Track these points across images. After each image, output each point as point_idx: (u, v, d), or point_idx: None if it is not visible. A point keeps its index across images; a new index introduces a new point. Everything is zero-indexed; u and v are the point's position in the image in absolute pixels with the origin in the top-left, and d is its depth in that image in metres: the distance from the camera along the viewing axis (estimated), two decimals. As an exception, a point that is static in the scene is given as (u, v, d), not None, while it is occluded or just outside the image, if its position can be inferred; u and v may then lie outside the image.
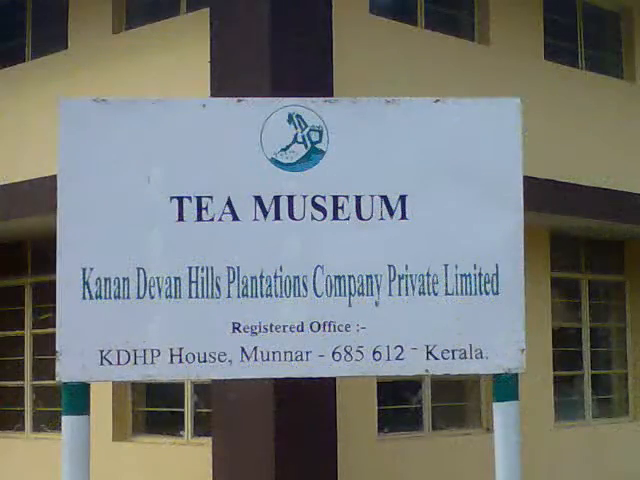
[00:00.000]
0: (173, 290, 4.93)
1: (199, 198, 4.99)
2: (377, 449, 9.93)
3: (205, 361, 4.90)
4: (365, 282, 5.00)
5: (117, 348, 4.89)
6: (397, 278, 5.01)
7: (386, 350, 4.97)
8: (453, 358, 5.00)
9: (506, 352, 5.01)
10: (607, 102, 12.40)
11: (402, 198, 5.06)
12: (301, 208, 5.01)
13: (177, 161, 5.01)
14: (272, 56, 8.77)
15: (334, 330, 4.95)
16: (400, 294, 5.00)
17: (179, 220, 4.98)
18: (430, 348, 4.99)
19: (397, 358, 4.98)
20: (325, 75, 9.05)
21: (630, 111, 12.65)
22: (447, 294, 5.02)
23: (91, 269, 4.91)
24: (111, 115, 5.02)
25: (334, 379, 8.48)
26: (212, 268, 4.95)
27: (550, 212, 10.85)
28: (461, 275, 5.03)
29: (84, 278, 4.90)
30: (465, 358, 5.00)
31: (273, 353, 4.92)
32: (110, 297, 4.91)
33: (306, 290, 4.97)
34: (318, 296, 4.97)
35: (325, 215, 5.03)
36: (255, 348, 4.92)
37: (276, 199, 5.01)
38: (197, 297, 4.94)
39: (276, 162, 5.03)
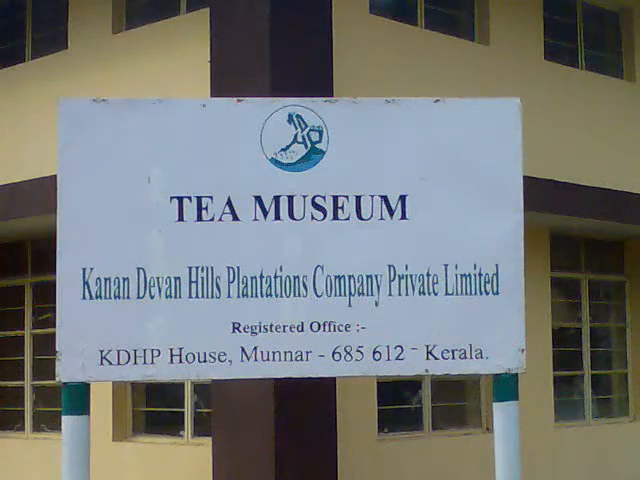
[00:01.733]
0: (173, 290, 4.93)
1: (199, 198, 4.99)
2: (377, 449, 9.93)
3: (205, 361, 4.90)
4: (365, 282, 5.00)
5: (117, 348, 4.88)
6: (397, 278, 5.01)
7: (386, 350, 4.97)
8: (453, 358, 5.00)
9: (506, 352, 5.01)
10: (607, 102, 12.41)
11: (402, 198, 5.06)
12: (301, 208, 5.01)
13: (177, 161, 5.01)
14: (272, 56, 8.77)
15: (334, 330, 4.95)
16: (400, 294, 5.00)
17: (179, 220, 4.98)
18: (430, 348, 4.99)
19: (397, 358, 4.98)
20: (325, 75, 9.05)
21: (630, 111, 12.66)
22: (447, 294, 5.02)
23: (91, 269, 4.91)
24: (111, 115, 5.01)
25: (334, 379, 8.48)
26: (212, 268, 4.95)
27: (550, 212, 10.85)
28: (461, 275, 5.03)
29: (84, 278, 4.90)
30: (465, 358, 5.00)
31: (273, 353, 4.92)
32: (110, 297, 4.90)
33: (306, 290, 4.97)
34: (318, 296, 4.97)
35: (325, 215, 5.02)
36: (255, 348, 4.92)
37: (276, 199, 5.01)
38: (197, 297, 4.93)
39: (276, 162, 5.03)
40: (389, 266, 5.01)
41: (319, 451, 8.84)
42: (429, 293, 5.02)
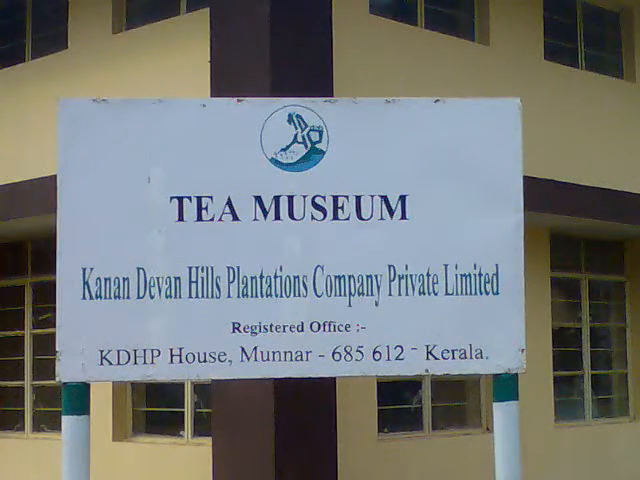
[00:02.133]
0: (173, 290, 4.93)
1: (199, 198, 4.99)
2: (377, 449, 9.93)
3: (205, 361, 4.91)
4: (365, 282, 5.00)
5: (117, 348, 4.89)
6: (397, 278, 5.01)
7: (386, 350, 4.97)
8: (453, 358, 5.00)
9: (506, 352, 5.01)
10: (607, 102, 12.40)
11: (402, 198, 5.06)
12: (301, 208, 5.02)
13: (177, 161, 5.01)
14: (272, 56, 8.77)
15: (334, 330, 4.95)
16: (400, 294, 5.00)
17: (179, 220, 4.98)
18: (430, 348, 4.99)
19: (397, 358, 4.98)
20: (325, 75, 9.05)
21: (630, 111, 12.65)
22: (447, 294, 5.02)
23: (91, 269, 4.91)
24: (111, 115, 5.02)
25: (334, 379, 8.48)
26: (212, 268, 4.95)
27: (550, 212, 10.85)
28: (461, 275, 5.03)
29: (84, 278, 4.90)
30: (465, 358, 5.00)
31: (273, 353, 4.92)
32: (110, 297, 4.91)
33: (306, 290, 4.97)
34: (318, 296, 4.97)
35: (325, 215, 5.03)
36: (255, 348, 4.92)
37: (276, 199, 5.02)
38: (197, 297, 4.94)
39: (276, 162, 5.03)
40: (389, 266, 5.01)
41: (319, 451, 8.83)
42: (429, 293, 5.02)
